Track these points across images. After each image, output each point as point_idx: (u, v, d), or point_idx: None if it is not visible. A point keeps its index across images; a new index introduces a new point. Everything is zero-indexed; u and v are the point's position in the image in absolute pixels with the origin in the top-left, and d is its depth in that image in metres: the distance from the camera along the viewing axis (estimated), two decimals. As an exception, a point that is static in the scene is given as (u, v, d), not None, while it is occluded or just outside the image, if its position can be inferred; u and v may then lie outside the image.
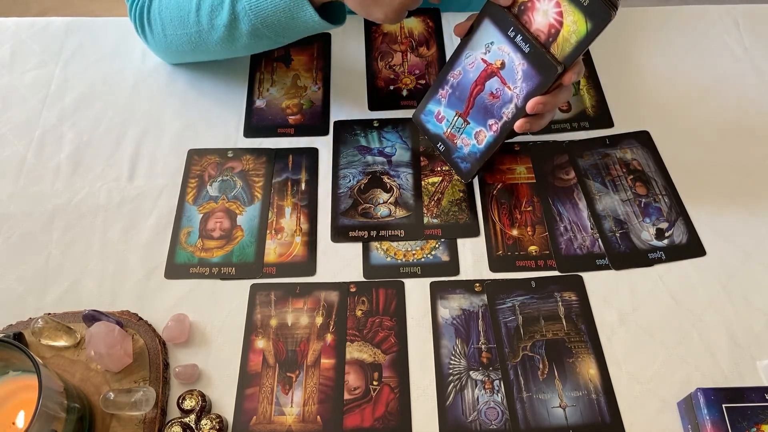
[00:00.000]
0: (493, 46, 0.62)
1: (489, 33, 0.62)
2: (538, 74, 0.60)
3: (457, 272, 0.65)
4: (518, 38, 0.60)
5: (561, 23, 0.57)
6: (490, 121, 0.65)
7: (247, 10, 0.65)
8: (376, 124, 0.76)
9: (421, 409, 0.57)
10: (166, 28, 0.71)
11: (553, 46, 0.58)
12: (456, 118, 0.68)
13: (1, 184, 0.71)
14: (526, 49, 0.60)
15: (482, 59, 0.64)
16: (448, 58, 0.82)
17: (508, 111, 0.63)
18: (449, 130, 0.68)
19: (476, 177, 0.70)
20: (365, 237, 0.67)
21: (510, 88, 0.62)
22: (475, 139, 0.66)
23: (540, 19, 0.59)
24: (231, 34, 0.68)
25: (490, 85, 0.64)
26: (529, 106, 0.60)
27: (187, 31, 0.70)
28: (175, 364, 0.59)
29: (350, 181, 0.71)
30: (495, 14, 0.61)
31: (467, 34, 0.64)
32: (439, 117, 0.69)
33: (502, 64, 0.62)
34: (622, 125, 0.76)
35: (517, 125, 0.62)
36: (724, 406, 0.52)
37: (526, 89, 0.61)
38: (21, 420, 0.50)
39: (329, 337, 0.61)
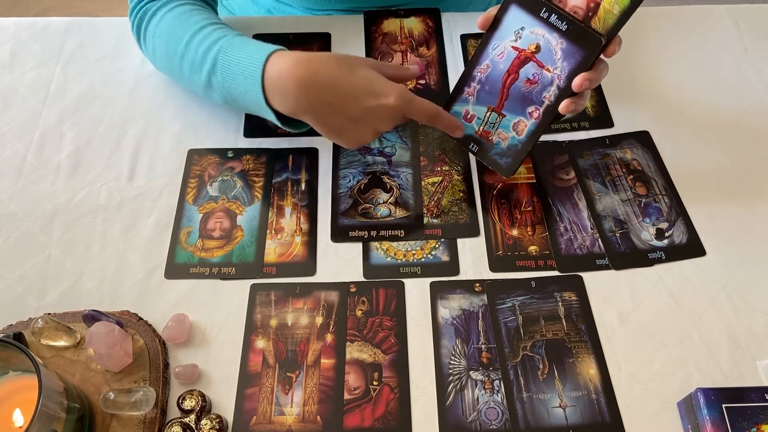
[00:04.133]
0: (524, 32, 0.62)
1: (518, 19, 0.62)
2: (580, 50, 0.59)
3: (457, 272, 0.65)
4: (553, 18, 0.59)
5: None
6: (530, 109, 0.63)
7: (221, 85, 0.66)
8: (376, 124, 0.76)
9: (421, 409, 0.57)
10: (156, 52, 0.72)
11: (593, 20, 0.58)
12: (489, 113, 0.66)
13: (1, 184, 0.71)
14: (564, 27, 0.59)
15: (513, 47, 0.63)
16: (448, 57, 0.82)
17: (550, 94, 0.62)
18: (482, 127, 0.67)
19: (476, 179, 0.70)
20: (365, 237, 0.67)
21: (549, 71, 0.61)
22: (514, 130, 0.65)
23: None
24: (207, 93, 0.69)
25: (525, 72, 0.63)
26: (576, 83, 0.59)
27: (171, 67, 0.71)
28: (175, 364, 0.59)
29: (350, 181, 0.71)
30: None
31: (492, 25, 0.63)
32: (469, 116, 0.67)
33: (537, 48, 0.61)
34: (622, 125, 0.76)
35: (563, 107, 0.61)
36: (724, 406, 0.52)
37: (568, 68, 0.60)
38: (20, 420, 0.50)
39: (329, 337, 0.61)
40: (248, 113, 0.70)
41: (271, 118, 0.65)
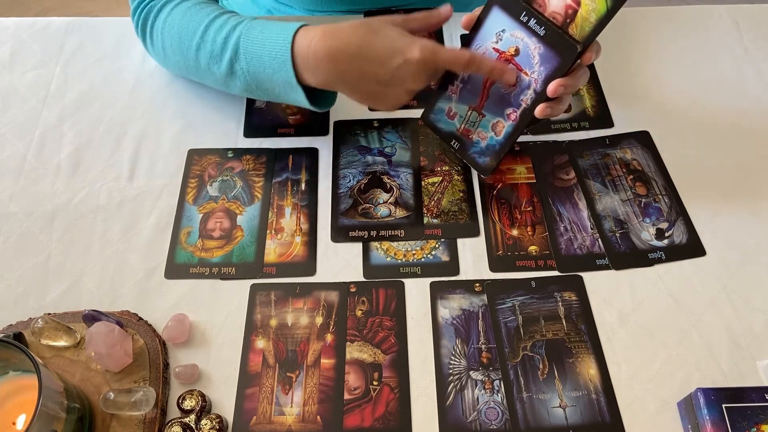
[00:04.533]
0: (504, 34, 0.62)
1: (499, 21, 0.62)
2: (556, 56, 0.59)
3: (457, 272, 0.65)
4: (532, 22, 0.60)
5: (579, 3, 0.58)
6: (508, 111, 0.64)
7: (245, 71, 0.65)
8: (376, 124, 0.76)
9: (421, 409, 0.57)
10: (166, 49, 0.71)
11: (570, 27, 0.58)
12: (470, 112, 0.67)
13: (1, 184, 0.71)
14: (542, 32, 0.59)
15: (494, 48, 0.63)
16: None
17: (527, 97, 0.62)
18: (463, 125, 0.67)
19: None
20: (365, 237, 0.67)
21: (527, 74, 0.62)
22: (492, 131, 0.65)
23: (555, 2, 0.59)
24: (226, 83, 0.69)
25: None
26: (550, 89, 0.59)
27: (186, 62, 0.70)
28: (175, 364, 0.59)
29: (350, 181, 0.71)
30: (504, 1, 0.61)
31: (475, 26, 0.64)
32: (451, 114, 0.68)
33: (517, 51, 0.61)
34: (622, 125, 0.76)
35: (538, 111, 0.61)
36: (724, 406, 0.52)
37: (544, 73, 0.60)
38: (21, 420, 0.50)
39: (329, 337, 0.61)
40: (269, 100, 0.68)
41: (301, 96, 0.64)
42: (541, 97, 0.61)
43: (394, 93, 0.64)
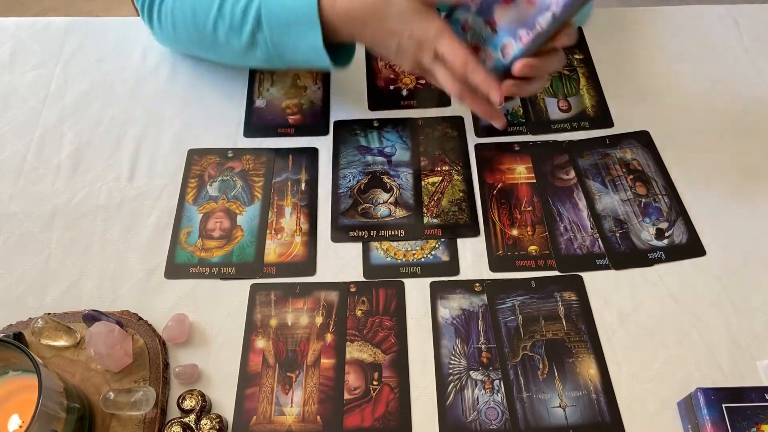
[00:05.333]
0: None
1: None
2: None
3: (457, 272, 0.65)
4: None
5: None
6: (521, 32, 0.59)
7: (268, 39, 0.65)
8: (376, 124, 0.76)
9: (421, 409, 0.57)
10: (177, 27, 0.71)
11: None
12: (485, 26, 0.62)
13: (1, 184, 0.71)
14: None
15: None
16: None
17: (544, 19, 0.57)
18: (474, 40, 0.63)
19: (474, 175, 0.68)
20: (365, 237, 0.67)
21: None
22: (501, 51, 0.61)
23: None
24: (245, 56, 0.69)
25: None
26: (517, 67, 0.58)
27: (201, 38, 0.70)
28: (175, 364, 0.59)
29: (350, 181, 0.71)
30: None
31: None
32: (467, 26, 0.63)
33: None
34: (622, 125, 0.76)
35: (505, 86, 0.59)
36: (724, 406, 0.52)
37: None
38: (15, 422, 0.50)
39: (329, 337, 0.61)
40: (283, 68, 0.68)
41: (325, 60, 0.64)
42: (557, 23, 0.56)
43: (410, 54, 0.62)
